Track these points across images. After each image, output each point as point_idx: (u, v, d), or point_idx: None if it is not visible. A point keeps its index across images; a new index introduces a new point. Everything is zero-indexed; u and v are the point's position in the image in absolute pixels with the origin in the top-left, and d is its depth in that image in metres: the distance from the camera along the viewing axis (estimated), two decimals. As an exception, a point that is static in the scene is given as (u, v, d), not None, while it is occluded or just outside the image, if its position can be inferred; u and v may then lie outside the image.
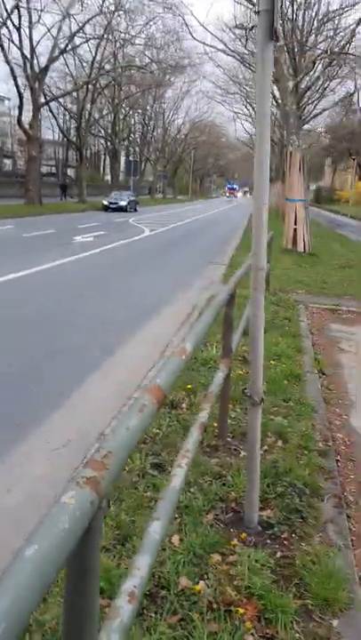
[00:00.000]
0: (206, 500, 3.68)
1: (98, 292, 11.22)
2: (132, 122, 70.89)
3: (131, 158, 67.59)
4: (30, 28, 35.04)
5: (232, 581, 2.90)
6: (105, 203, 42.89)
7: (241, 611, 2.69)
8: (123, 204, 42.57)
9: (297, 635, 2.68)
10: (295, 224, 19.27)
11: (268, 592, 2.85)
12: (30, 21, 34.86)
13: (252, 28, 24.34)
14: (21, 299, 10.00)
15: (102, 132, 61.03)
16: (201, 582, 2.90)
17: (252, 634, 2.63)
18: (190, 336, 2.60)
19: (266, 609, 2.77)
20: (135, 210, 44.71)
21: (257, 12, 2.86)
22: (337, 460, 4.61)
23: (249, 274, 3.39)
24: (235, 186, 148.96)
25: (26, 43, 35.06)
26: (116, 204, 42.37)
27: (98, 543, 1.27)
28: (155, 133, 76.14)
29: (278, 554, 3.27)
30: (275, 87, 36.46)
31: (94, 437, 4.85)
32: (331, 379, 6.68)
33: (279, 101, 36.77)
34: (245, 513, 3.53)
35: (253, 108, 51.13)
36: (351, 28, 24.34)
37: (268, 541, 3.39)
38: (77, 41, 38.69)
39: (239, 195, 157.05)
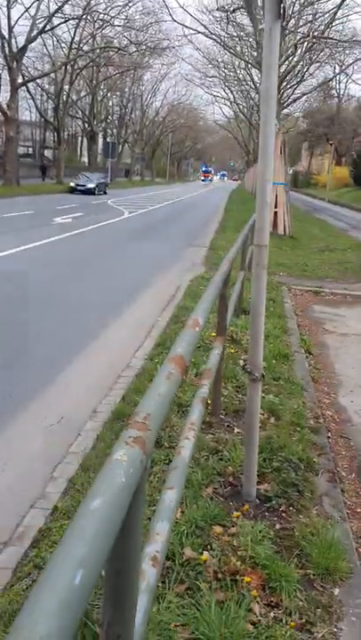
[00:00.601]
0: (205, 474, 3.73)
1: (78, 274, 11.17)
2: (110, 104, 70.23)
3: (108, 140, 67.08)
4: (9, 8, 34.42)
5: (236, 552, 2.95)
6: (72, 185, 40.48)
7: (247, 579, 2.75)
8: (91, 186, 40.10)
9: (300, 602, 2.75)
10: (276, 207, 19.34)
11: (271, 562, 2.91)
12: (9, 0, 34.22)
13: (234, 10, 24.27)
14: (2, 279, 9.92)
15: (80, 113, 60.38)
16: (205, 553, 2.95)
17: (257, 602, 2.68)
18: (199, 310, 2.62)
19: (270, 578, 2.83)
20: (105, 193, 42.18)
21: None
22: (328, 437, 4.69)
23: (239, 254, 3.42)
24: (210, 169, 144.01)
25: (4, 22, 34.50)
26: (83, 186, 39.96)
27: (144, 500, 1.30)
28: (133, 116, 75.51)
29: (277, 526, 3.34)
30: (254, 71, 36.52)
31: (87, 415, 4.87)
32: (317, 358, 6.78)
33: (258, 85, 36.87)
34: (244, 486, 3.58)
35: (232, 92, 51.14)
36: (332, 11, 24.39)
37: (267, 514, 3.45)
38: (56, 21, 38.06)
39: (216, 178, 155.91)
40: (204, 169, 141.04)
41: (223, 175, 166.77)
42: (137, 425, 1.30)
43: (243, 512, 3.38)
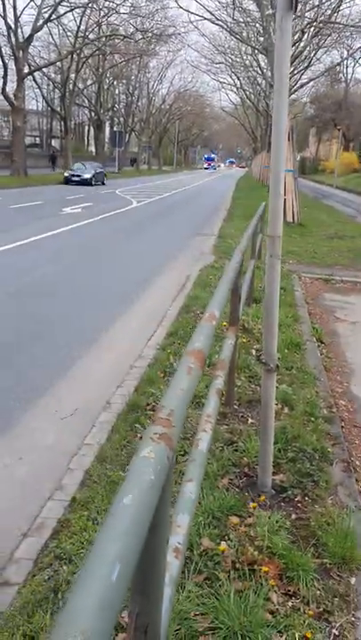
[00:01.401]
0: (220, 465, 3.76)
1: (88, 264, 11.19)
2: (117, 92, 69.97)
3: (115, 129, 66.91)
4: (15, -3, 34.32)
5: (253, 542, 2.98)
6: (66, 175, 37.23)
7: (265, 569, 2.77)
8: (87, 176, 36.84)
9: (318, 592, 2.77)
10: (284, 194, 19.22)
11: (288, 552, 2.93)
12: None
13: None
14: (16, 270, 9.95)
15: (87, 102, 60.22)
16: (223, 543, 2.98)
17: (275, 591, 2.71)
18: (214, 303, 2.63)
19: (287, 568, 2.85)
20: (103, 183, 39.23)
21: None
22: (342, 427, 4.71)
23: (250, 244, 3.42)
24: (212, 156, 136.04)
25: (10, 12, 34.35)
26: (79, 176, 36.64)
27: (170, 495, 1.32)
28: (139, 104, 75.19)
29: (293, 516, 3.36)
30: (260, 57, 36.26)
31: (101, 406, 4.90)
32: (329, 347, 6.77)
33: (265, 71, 36.64)
34: (259, 477, 3.60)
35: (239, 78, 50.88)
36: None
37: (283, 504, 3.48)
38: (61, 10, 37.90)
39: (223, 166, 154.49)
40: (206, 156, 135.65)
41: (231, 162, 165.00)
42: (162, 421, 1.32)
43: (259, 502, 3.41)
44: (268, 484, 3.57)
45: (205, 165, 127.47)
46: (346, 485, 3.74)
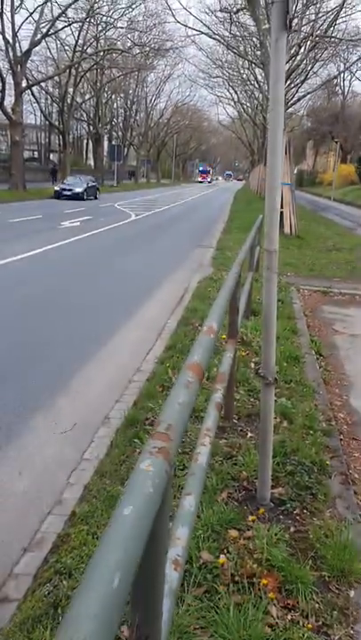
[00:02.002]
0: (219, 479, 3.77)
1: (87, 277, 11.22)
2: (115, 106, 70.37)
3: (114, 143, 67.20)
4: (12, 13, 34.60)
5: (252, 555, 2.99)
6: (57, 189, 35.53)
7: (264, 582, 2.78)
8: (78, 190, 35.18)
9: (317, 605, 2.78)
10: (281, 207, 19.31)
11: (287, 564, 2.94)
12: (12, 6, 34.42)
13: (237, 11, 24.30)
14: (15, 283, 9.99)
15: (85, 116, 60.56)
16: (222, 556, 2.99)
17: (274, 604, 2.72)
18: (213, 316, 2.65)
19: (286, 580, 2.86)
20: (95, 197, 37.91)
21: (271, 3, 2.89)
22: (340, 439, 4.72)
23: (247, 256, 3.45)
24: (207, 168, 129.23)
25: (8, 27, 34.64)
26: (70, 190, 34.96)
27: (169, 508, 1.34)
28: (137, 118, 75.66)
29: (292, 528, 3.36)
30: (257, 70, 36.52)
31: (100, 421, 4.92)
32: (328, 360, 6.79)
33: (262, 85, 36.89)
34: (258, 490, 3.61)
35: (236, 92, 51.22)
36: (335, 9, 24.39)
37: (282, 517, 3.48)
38: (59, 25, 38.18)
39: (219, 179, 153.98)
40: (200, 169, 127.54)
41: (229, 175, 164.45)
42: (160, 436, 1.34)
43: (258, 516, 3.42)
44: (266, 498, 3.58)
45: (199, 179, 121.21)
46: (344, 498, 3.75)
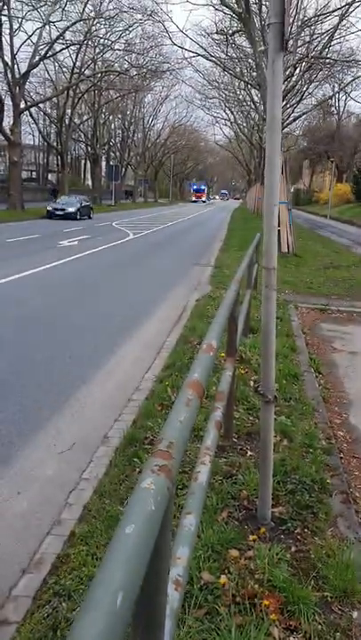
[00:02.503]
0: (219, 498, 3.74)
1: (86, 296, 11.23)
2: (113, 127, 70.94)
3: (112, 163, 67.69)
4: (11, 36, 35.03)
5: (253, 575, 2.96)
6: (49, 209, 34.84)
7: (266, 602, 2.75)
8: (71, 210, 34.66)
9: (319, 626, 2.74)
10: (278, 226, 19.37)
11: (289, 585, 2.91)
12: (11, 29, 34.86)
13: (233, 33, 24.59)
14: (13, 303, 9.98)
15: (83, 136, 61.02)
16: (223, 576, 2.95)
17: (276, 625, 2.68)
18: (212, 334, 2.65)
19: (288, 601, 2.82)
20: (89, 217, 37.49)
21: (268, 25, 2.93)
22: (341, 458, 4.69)
23: (245, 274, 3.45)
24: (202, 187, 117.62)
25: (6, 49, 35.04)
26: (62, 210, 34.43)
27: (170, 526, 1.33)
28: (135, 138, 76.26)
29: (293, 548, 3.33)
30: (253, 91, 36.90)
31: (99, 440, 4.89)
32: (327, 378, 6.78)
33: (258, 105, 37.26)
34: (259, 510, 3.58)
35: (232, 112, 51.73)
36: (329, 31, 24.70)
37: (283, 536, 3.45)
38: (57, 47, 38.68)
39: (216, 198, 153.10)
40: (194, 187, 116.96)
41: (224, 194, 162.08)
42: (161, 454, 1.33)
43: (259, 535, 3.39)
44: (267, 517, 3.55)
45: (193, 198, 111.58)
46: (346, 517, 3.72)
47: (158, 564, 1.27)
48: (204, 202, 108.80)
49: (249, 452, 4.52)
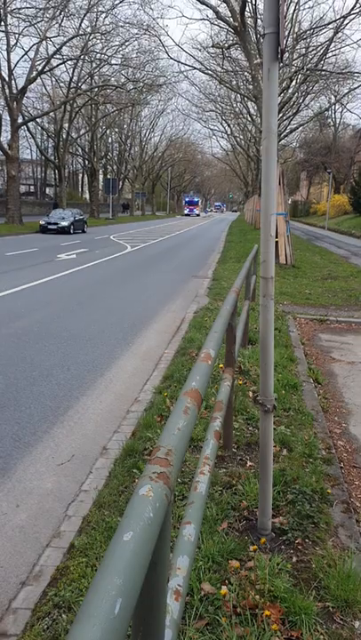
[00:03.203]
0: (219, 509, 3.72)
1: (84, 308, 11.22)
2: (110, 140, 71.34)
3: (109, 176, 67.95)
4: (8, 52, 35.29)
5: (254, 585, 2.94)
6: (42, 223, 34.46)
7: (267, 613, 2.73)
8: (64, 224, 34.25)
9: (321, 637, 2.72)
10: (276, 237, 19.46)
11: (290, 595, 2.89)
12: (8, 45, 35.13)
13: (229, 46, 24.78)
14: (12, 315, 9.98)
15: (80, 150, 61.32)
16: (223, 587, 2.94)
17: (278, 636, 2.66)
18: (210, 343, 2.65)
19: (289, 611, 2.80)
20: (83, 231, 37.23)
21: (263, 35, 2.95)
22: (341, 467, 4.67)
23: (243, 285, 3.45)
24: (196, 199, 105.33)
25: (4, 65, 35.36)
26: (56, 224, 34.05)
27: (169, 533, 1.32)
28: (132, 152, 76.61)
29: (294, 558, 3.32)
30: (250, 104, 37.14)
31: (98, 452, 4.88)
32: (326, 388, 6.77)
33: (254, 118, 37.49)
34: (259, 520, 3.57)
35: (229, 125, 52.07)
36: (325, 44, 24.92)
37: (283, 547, 3.43)
38: (55, 62, 38.89)
39: (213, 209, 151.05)
40: (186, 199, 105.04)
41: (218, 206, 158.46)
42: (159, 461, 1.33)
43: (259, 546, 3.37)
44: (268, 527, 3.53)
45: (186, 211, 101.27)
46: (346, 527, 3.70)
47: (157, 571, 1.26)
48: (197, 215, 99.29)
49: (249, 463, 4.51)
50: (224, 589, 2.90)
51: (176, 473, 1.36)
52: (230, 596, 2.87)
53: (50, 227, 34.06)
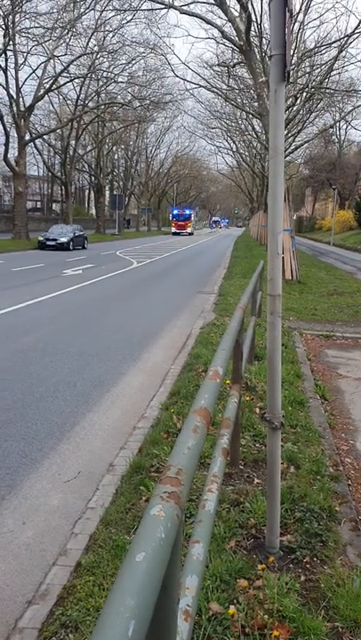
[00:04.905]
0: (227, 527, 3.70)
1: (90, 324, 11.23)
2: (116, 157, 71.72)
3: (115, 192, 68.27)
4: (16, 70, 35.65)
5: (263, 605, 2.91)
6: (41, 239, 33.68)
7: (276, 633, 2.70)
8: (63, 240, 33.41)
9: (331, 657, 2.69)
10: (282, 253, 19.45)
11: (299, 615, 2.86)
12: (16, 63, 35.50)
13: (235, 65, 24.98)
14: (19, 331, 10.00)
15: (87, 167, 61.69)
16: (232, 607, 2.91)
17: (287, 657, 2.64)
18: (218, 360, 2.65)
19: (298, 632, 2.78)
20: (84, 247, 36.44)
21: (269, 57, 2.98)
22: (348, 485, 4.64)
23: (251, 301, 3.45)
24: (186, 211, 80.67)
25: (12, 83, 35.67)
26: (55, 240, 33.27)
27: (180, 553, 1.32)
28: (138, 168, 77.03)
29: (303, 577, 3.29)
30: (255, 121, 37.37)
31: (104, 469, 4.86)
32: (333, 404, 6.74)
33: (259, 134, 37.71)
34: (267, 538, 3.54)
35: (235, 142, 52.36)
36: (329, 62, 25.09)
37: (292, 565, 3.41)
38: (62, 80, 39.22)
39: (216, 228, 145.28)
40: (175, 212, 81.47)
41: (216, 221, 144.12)
42: (170, 480, 1.33)
43: (267, 564, 3.34)
44: (276, 545, 3.51)
45: (174, 229, 78.76)
46: (355, 545, 3.67)
47: (168, 592, 1.25)
48: (190, 234, 77.46)
49: (256, 480, 4.48)
50: (232, 609, 2.88)
51: (187, 492, 1.36)
52: (239, 615, 2.84)
53: (48, 243, 33.32)
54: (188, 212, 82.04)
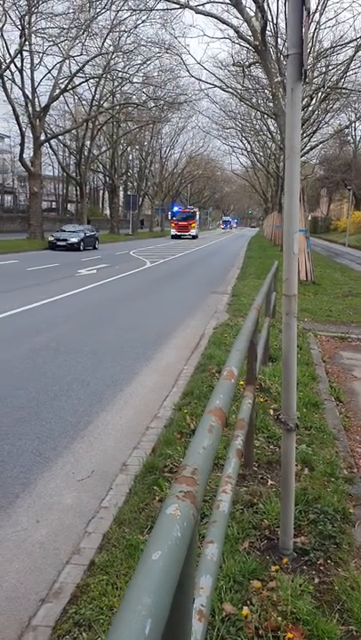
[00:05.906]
0: (240, 528, 3.69)
1: (104, 324, 11.25)
2: (131, 157, 71.89)
3: (129, 193, 68.33)
4: (32, 70, 35.86)
5: (276, 607, 2.90)
6: (51, 239, 33.33)
7: (289, 635, 2.69)
8: (74, 241, 33.00)
9: (345, 661, 2.67)
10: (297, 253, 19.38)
11: (313, 617, 2.84)
12: (32, 63, 35.70)
13: (250, 65, 24.93)
14: (33, 330, 10.04)
15: (101, 167, 61.86)
16: (245, 608, 2.90)
17: (300, 659, 2.62)
18: (233, 361, 2.64)
19: (312, 634, 2.76)
20: (95, 247, 35.97)
21: (286, 56, 2.97)
22: (363, 486, 4.61)
23: (264, 302, 3.43)
24: (190, 210, 66.37)
25: (27, 83, 35.90)
26: (65, 240, 32.86)
27: (195, 553, 1.31)
28: (152, 168, 77.12)
29: (316, 579, 3.27)
30: (270, 121, 37.31)
31: (118, 468, 4.87)
32: (348, 406, 6.70)
33: (274, 135, 37.65)
34: (280, 540, 3.53)
35: (249, 142, 52.27)
36: (345, 62, 24.97)
37: (305, 567, 3.39)
38: (77, 80, 39.42)
39: (234, 225, 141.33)
40: (176, 210, 66.01)
41: (226, 221, 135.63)
42: (186, 480, 1.32)
43: (281, 566, 3.33)
44: (289, 547, 3.49)
45: (174, 231, 63.41)
46: (369, 547, 3.65)
47: (184, 592, 1.25)
48: (193, 237, 63.20)
49: (270, 481, 4.47)
50: (246, 610, 2.87)
51: (202, 492, 1.35)
52: (252, 616, 2.83)
53: (59, 243, 32.91)
54: (192, 209, 68.32)
